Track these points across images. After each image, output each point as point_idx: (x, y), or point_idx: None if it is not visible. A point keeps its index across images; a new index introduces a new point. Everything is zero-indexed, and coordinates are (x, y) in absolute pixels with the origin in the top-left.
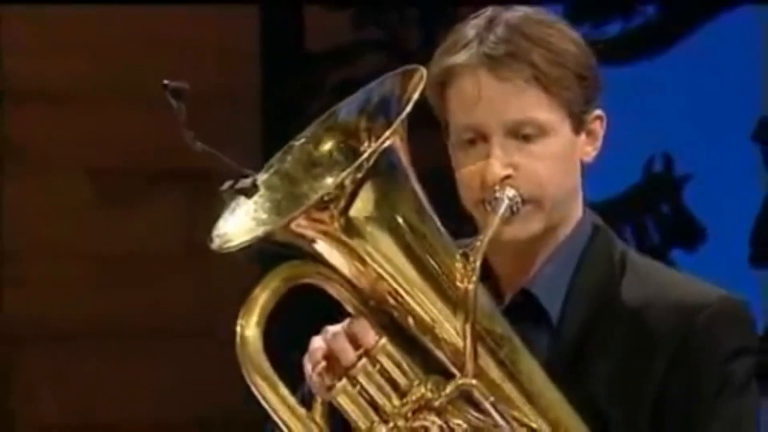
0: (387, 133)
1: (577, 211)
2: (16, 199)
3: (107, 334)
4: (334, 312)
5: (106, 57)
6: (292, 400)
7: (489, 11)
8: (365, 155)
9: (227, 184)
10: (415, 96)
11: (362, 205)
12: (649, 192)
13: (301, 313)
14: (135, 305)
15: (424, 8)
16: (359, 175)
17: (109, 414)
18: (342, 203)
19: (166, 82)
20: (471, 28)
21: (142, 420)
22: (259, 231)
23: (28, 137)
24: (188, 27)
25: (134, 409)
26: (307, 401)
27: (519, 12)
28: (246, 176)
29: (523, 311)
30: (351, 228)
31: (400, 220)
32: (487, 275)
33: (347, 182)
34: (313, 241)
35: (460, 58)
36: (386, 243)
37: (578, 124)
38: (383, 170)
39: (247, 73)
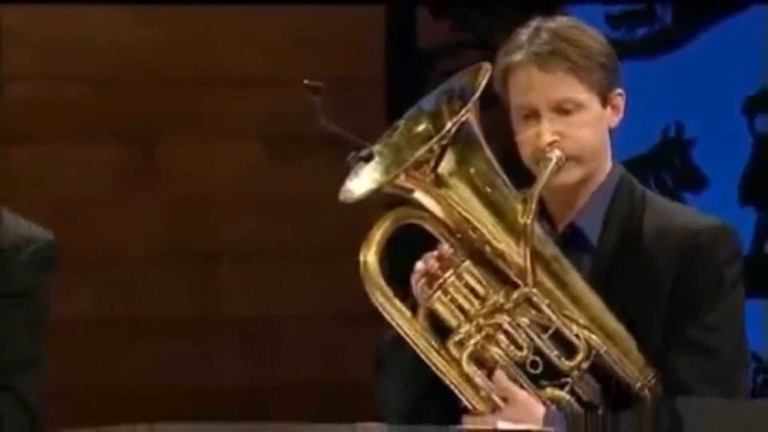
0: (463, 111)
1: (607, 163)
2: (210, 157)
3: (277, 252)
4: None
5: (274, 50)
6: (403, 308)
7: (536, 22)
8: (447, 127)
9: (352, 154)
10: (483, 83)
11: (446, 164)
12: (665, 150)
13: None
14: (298, 233)
15: (506, 16)
16: (444, 142)
17: (282, 308)
18: (432, 163)
19: (306, 81)
20: (523, 34)
21: (307, 313)
22: (371, 186)
23: (217, 112)
24: (331, 27)
25: (302, 305)
26: (415, 309)
27: (558, 21)
28: (365, 147)
29: (572, 240)
30: (439, 181)
31: (474, 174)
32: (544, 214)
33: (435, 147)
34: (412, 191)
35: (516, 57)
36: (465, 191)
37: (604, 100)
38: (461, 138)
39: (374, 65)
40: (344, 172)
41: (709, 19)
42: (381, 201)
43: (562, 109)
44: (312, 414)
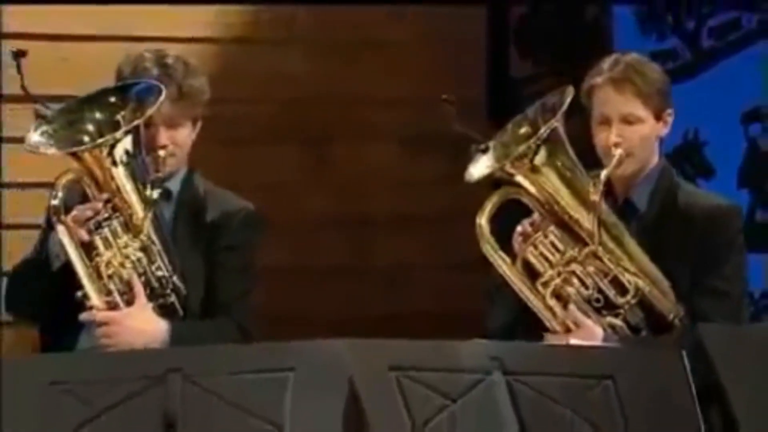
0: (552, 121)
1: (655, 158)
2: (364, 154)
3: (411, 220)
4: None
5: (409, 78)
6: (506, 257)
7: (615, 55)
8: (542, 131)
9: (473, 147)
10: (567, 101)
11: (540, 157)
12: (685, 149)
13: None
14: (425, 207)
15: (570, 56)
16: (538, 142)
17: (415, 259)
18: (530, 155)
19: (444, 96)
20: (604, 63)
21: (432, 263)
22: (486, 171)
23: (368, 122)
24: (446, 60)
25: (429, 257)
26: (514, 259)
27: (630, 56)
28: (483, 143)
29: (627, 210)
30: (534, 169)
31: (559, 164)
32: (609, 192)
33: (532, 145)
34: (515, 176)
35: (598, 80)
36: (552, 176)
37: (657, 117)
38: (551, 138)
39: (478, 88)
40: (454, 162)
41: (716, 58)
42: (489, 181)
43: (627, 120)
44: (437, 335)
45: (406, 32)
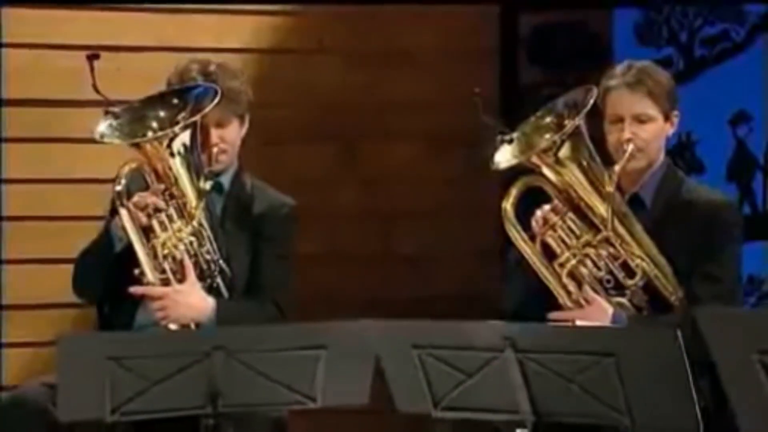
0: (577, 118)
1: (661, 155)
2: (390, 152)
3: (433, 211)
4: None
5: (430, 84)
6: (527, 238)
7: (627, 62)
8: (568, 127)
9: (498, 138)
10: (591, 101)
11: (564, 151)
12: (680, 148)
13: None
14: (446, 199)
15: (570, 66)
16: (563, 137)
17: (437, 248)
18: (554, 149)
19: (476, 89)
20: (618, 68)
21: (452, 251)
22: (513, 161)
23: (394, 122)
24: (464, 68)
25: (449, 245)
26: (534, 240)
27: (642, 62)
28: (507, 134)
29: (634, 203)
30: (557, 161)
31: (580, 157)
32: (619, 186)
33: (557, 139)
34: (539, 166)
35: (613, 82)
36: (573, 168)
37: (666, 118)
38: (575, 134)
39: (492, 91)
40: (470, 161)
41: (705, 67)
42: (505, 175)
43: (638, 119)
44: (456, 316)
45: (427, 42)
